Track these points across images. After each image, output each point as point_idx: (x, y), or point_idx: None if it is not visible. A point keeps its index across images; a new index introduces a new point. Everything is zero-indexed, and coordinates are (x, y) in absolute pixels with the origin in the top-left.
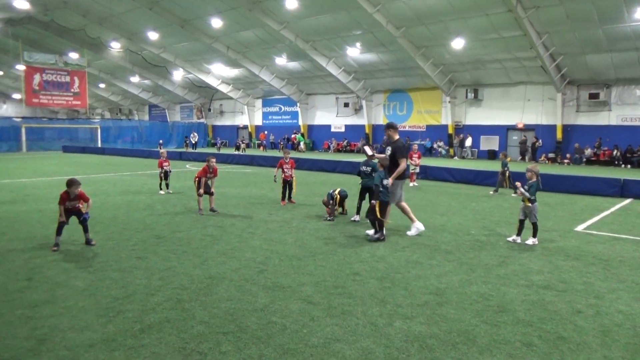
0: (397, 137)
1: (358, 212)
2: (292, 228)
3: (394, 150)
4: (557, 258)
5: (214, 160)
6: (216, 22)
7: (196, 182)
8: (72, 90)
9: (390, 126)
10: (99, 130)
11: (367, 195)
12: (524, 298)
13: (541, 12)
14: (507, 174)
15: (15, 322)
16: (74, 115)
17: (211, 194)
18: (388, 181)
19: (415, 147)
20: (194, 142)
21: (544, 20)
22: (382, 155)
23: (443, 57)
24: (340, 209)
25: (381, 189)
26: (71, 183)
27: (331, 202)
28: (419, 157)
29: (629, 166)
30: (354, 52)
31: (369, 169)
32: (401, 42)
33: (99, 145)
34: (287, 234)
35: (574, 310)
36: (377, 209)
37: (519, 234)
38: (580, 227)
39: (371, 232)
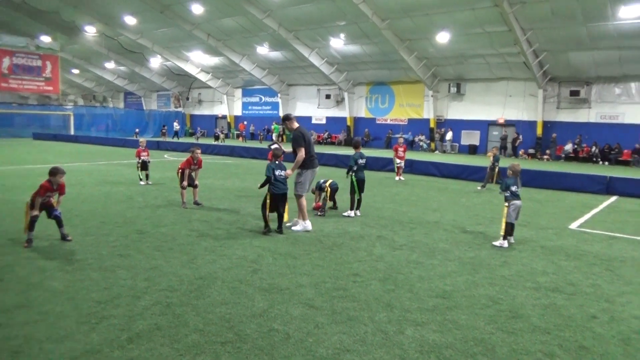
0: (295, 126)
1: (352, 208)
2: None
3: (292, 141)
4: (559, 258)
5: (199, 151)
6: (197, 9)
7: (179, 173)
8: (44, 75)
9: (285, 117)
10: (71, 118)
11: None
12: (534, 302)
13: (527, 8)
14: (496, 169)
15: None
16: (45, 102)
17: (195, 186)
18: (282, 173)
19: (401, 140)
20: (175, 130)
21: (530, 16)
22: (275, 146)
23: (427, 51)
24: (331, 203)
25: (273, 180)
26: (56, 171)
27: (322, 194)
28: (404, 151)
29: (606, 163)
30: (338, 43)
31: (363, 161)
32: (386, 34)
33: (72, 132)
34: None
35: (588, 315)
36: (267, 201)
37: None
38: (574, 225)
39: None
